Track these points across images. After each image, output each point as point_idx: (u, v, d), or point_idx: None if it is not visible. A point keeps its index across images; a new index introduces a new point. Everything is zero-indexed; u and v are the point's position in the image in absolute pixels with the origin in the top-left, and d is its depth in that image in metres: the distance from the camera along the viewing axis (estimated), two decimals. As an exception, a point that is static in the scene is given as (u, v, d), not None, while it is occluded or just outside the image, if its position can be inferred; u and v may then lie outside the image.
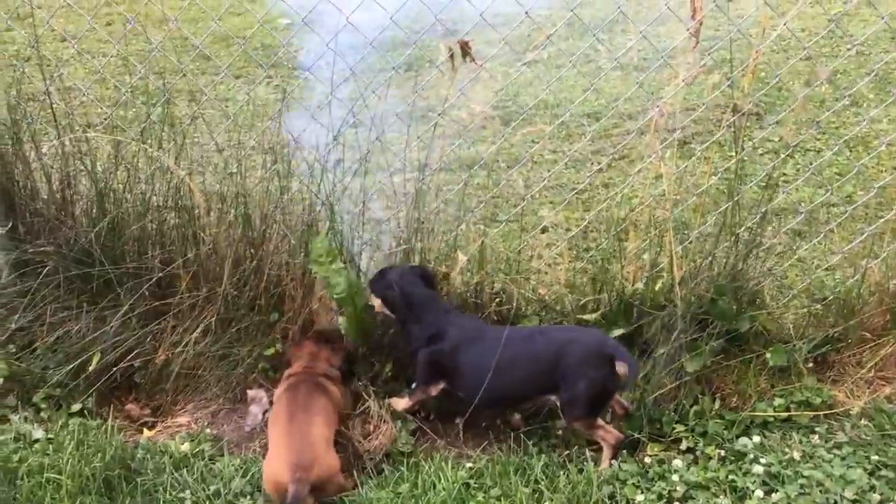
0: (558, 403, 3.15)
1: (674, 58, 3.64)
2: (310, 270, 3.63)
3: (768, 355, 3.41)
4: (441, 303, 3.37)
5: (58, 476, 2.97)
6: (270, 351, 3.60)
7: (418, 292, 3.32)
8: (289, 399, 3.17)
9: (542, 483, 3.01)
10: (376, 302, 3.42)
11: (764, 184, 3.92)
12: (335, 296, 3.40)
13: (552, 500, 2.93)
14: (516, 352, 3.16)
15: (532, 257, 4.04)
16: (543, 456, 3.16)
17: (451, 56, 3.25)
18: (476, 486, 3.03)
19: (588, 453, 3.21)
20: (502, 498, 2.96)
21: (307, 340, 3.49)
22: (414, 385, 3.37)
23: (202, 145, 3.97)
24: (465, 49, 3.24)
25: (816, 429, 3.28)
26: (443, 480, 2.99)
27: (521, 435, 3.31)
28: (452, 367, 3.24)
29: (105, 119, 3.87)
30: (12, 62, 3.78)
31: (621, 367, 3.04)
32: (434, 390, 3.31)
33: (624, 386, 3.15)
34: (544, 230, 4.47)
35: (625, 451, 3.18)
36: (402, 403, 3.39)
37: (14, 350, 3.55)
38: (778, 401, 3.35)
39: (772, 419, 3.32)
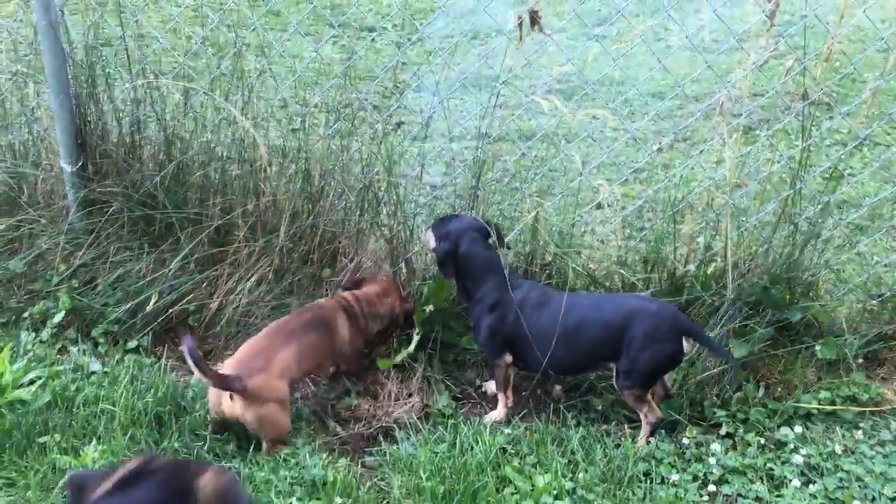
0: (616, 370, 3.13)
1: (745, 41, 3.57)
2: (363, 229, 3.69)
3: (818, 347, 3.38)
4: (501, 266, 3.26)
5: (112, 407, 3.10)
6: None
7: (479, 253, 3.24)
8: (287, 321, 3.27)
9: (579, 454, 3.04)
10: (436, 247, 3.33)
11: (828, 175, 3.84)
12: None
13: (587, 472, 2.96)
14: (584, 318, 3.14)
15: (585, 232, 4.03)
16: (581, 429, 3.19)
17: (520, 25, 3.23)
18: (513, 451, 3.07)
19: (627, 430, 3.23)
20: (538, 465, 2.99)
21: (381, 278, 3.57)
22: (493, 380, 3.37)
23: (268, 100, 4.03)
24: (534, 18, 3.21)
25: (861, 425, 3.25)
26: (480, 444, 3.04)
27: (561, 407, 3.34)
28: (515, 336, 3.20)
29: (176, 67, 3.95)
30: (91, 6, 3.86)
31: (687, 343, 3.06)
32: (506, 361, 3.28)
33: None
34: (599, 206, 4.44)
35: (663, 431, 3.19)
36: (498, 414, 3.33)
37: (77, 285, 3.68)
38: (824, 394, 3.32)
39: (816, 411, 3.29)
